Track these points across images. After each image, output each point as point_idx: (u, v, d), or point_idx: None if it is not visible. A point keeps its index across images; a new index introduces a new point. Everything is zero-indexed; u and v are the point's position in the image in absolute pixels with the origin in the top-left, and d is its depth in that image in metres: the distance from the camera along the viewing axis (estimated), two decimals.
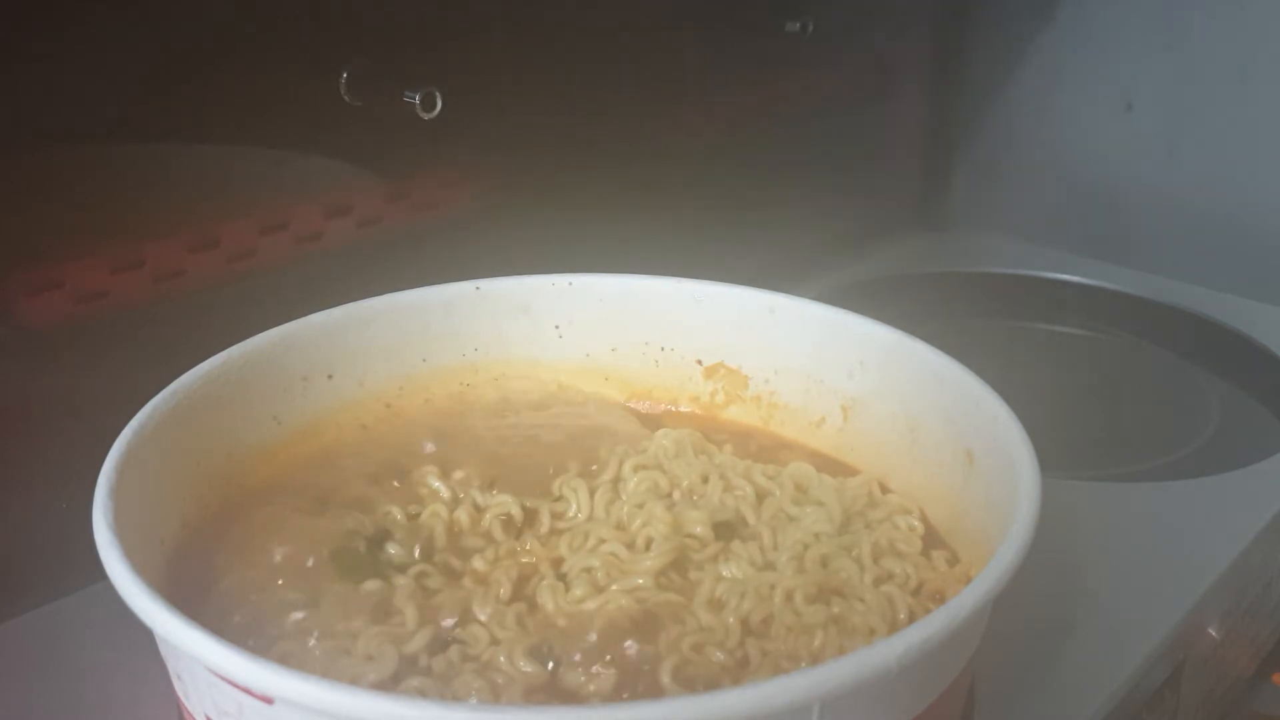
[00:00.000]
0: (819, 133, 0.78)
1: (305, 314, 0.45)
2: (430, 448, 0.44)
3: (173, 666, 0.32)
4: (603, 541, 0.39)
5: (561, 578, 0.38)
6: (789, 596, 0.36)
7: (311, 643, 0.34)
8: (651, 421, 0.47)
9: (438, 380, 0.48)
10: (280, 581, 0.36)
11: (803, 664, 0.34)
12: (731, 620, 0.36)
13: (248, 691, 0.28)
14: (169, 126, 0.47)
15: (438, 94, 0.50)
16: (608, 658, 0.34)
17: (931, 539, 0.41)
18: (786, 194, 0.75)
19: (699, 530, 0.39)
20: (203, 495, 0.40)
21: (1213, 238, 0.79)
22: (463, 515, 0.40)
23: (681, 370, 0.49)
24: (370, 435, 0.45)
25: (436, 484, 0.42)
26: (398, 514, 0.40)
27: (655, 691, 0.33)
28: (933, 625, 0.29)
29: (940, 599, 0.37)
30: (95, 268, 0.47)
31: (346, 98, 0.51)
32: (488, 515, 0.40)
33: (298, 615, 0.35)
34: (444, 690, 0.33)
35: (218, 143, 0.49)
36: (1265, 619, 0.57)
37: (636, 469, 0.42)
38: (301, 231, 0.53)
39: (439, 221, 0.59)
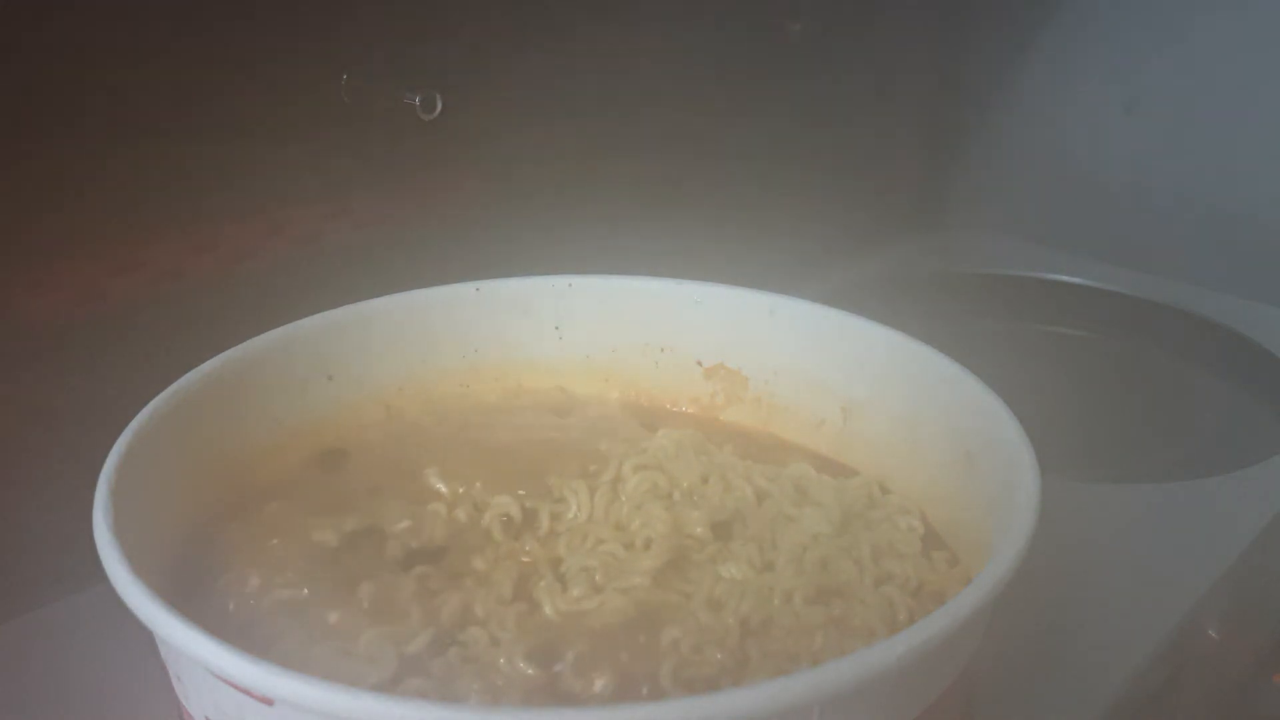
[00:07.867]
0: (819, 133, 0.78)
1: (305, 314, 0.45)
2: (430, 449, 0.44)
3: (173, 668, 0.32)
4: (601, 541, 0.39)
5: (560, 578, 0.38)
6: (788, 597, 0.37)
7: (312, 644, 0.34)
8: (651, 422, 0.47)
9: (438, 381, 0.48)
10: (280, 582, 0.36)
11: (802, 665, 0.34)
12: (731, 621, 0.36)
13: (248, 693, 0.28)
14: (169, 127, 0.47)
15: (438, 95, 0.50)
16: (607, 659, 0.34)
17: (931, 540, 0.41)
18: (787, 194, 0.75)
19: (698, 531, 0.39)
20: (203, 495, 0.40)
21: (1213, 238, 0.79)
22: (462, 516, 0.40)
23: (681, 371, 0.49)
24: (370, 436, 0.45)
25: (437, 484, 0.42)
26: (398, 514, 0.40)
27: (655, 692, 0.33)
28: (933, 626, 0.29)
29: (940, 600, 0.37)
30: (95, 268, 0.47)
31: (346, 99, 0.51)
32: (487, 516, 0.40)
33: (298, 616, 0.35)
34: (444, 692, 0.33)
35: (218, 143, 0.49)
36: (1265, 619, 0.57)
37: (636, 469, 0.42)
38: (301, 232, 0.53)
39: (439, 221, 0.59)
